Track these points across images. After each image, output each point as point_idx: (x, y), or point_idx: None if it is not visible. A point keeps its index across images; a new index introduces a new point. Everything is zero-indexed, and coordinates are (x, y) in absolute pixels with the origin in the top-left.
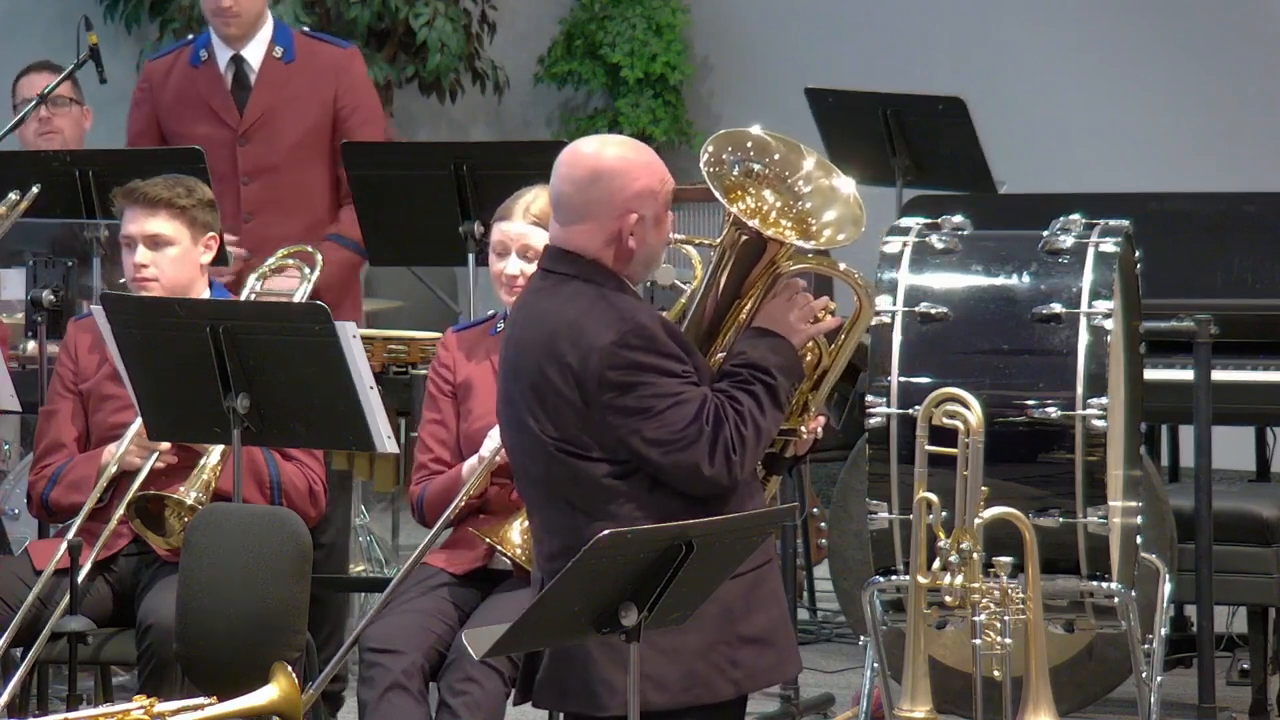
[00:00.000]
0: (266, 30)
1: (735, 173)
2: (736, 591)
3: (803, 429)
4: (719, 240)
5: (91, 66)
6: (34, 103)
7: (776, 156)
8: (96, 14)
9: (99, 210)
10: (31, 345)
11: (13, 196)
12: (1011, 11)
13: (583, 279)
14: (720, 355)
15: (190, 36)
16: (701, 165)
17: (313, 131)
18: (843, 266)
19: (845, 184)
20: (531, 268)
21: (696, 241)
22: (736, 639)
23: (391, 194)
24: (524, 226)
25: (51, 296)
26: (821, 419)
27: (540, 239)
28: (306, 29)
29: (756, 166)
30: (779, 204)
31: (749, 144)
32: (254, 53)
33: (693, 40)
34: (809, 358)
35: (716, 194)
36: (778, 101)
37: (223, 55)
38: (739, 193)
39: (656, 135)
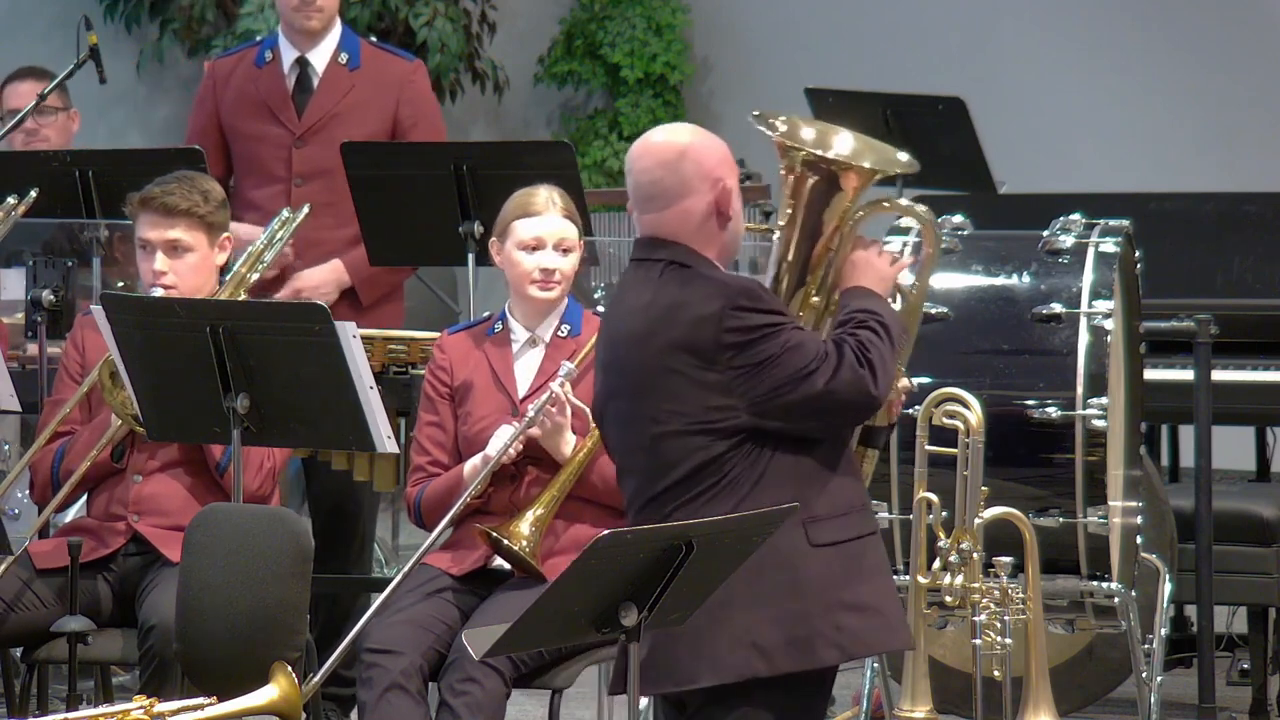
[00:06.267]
0: (334, 35)
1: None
2: (838, 561)
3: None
4: (785, 192)
5: (91, 67)
6: (33, 104)
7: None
8: (96, 14)
9: (99, 210)
10: (31, 346)
11: (10, 200)
12: (1011, 11)
13: (678, 264)
14: (815, 299)
15: (259, 38)
16: (774, 130)
17: (371, 139)
18: (904, 202)
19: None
20: (567, 262)
21: (762, 229)
22: (839, 605)
23: (391, 194)
24: (560, 220)
25: (51, 296)
26: (906, 382)
27: (573, 233)
28: (374, 39)
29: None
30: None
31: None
32: (319, 57)
33: (693, 40)
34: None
35: (789, 143)
36: (778, 101)
37: (288, 56)
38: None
39: None
